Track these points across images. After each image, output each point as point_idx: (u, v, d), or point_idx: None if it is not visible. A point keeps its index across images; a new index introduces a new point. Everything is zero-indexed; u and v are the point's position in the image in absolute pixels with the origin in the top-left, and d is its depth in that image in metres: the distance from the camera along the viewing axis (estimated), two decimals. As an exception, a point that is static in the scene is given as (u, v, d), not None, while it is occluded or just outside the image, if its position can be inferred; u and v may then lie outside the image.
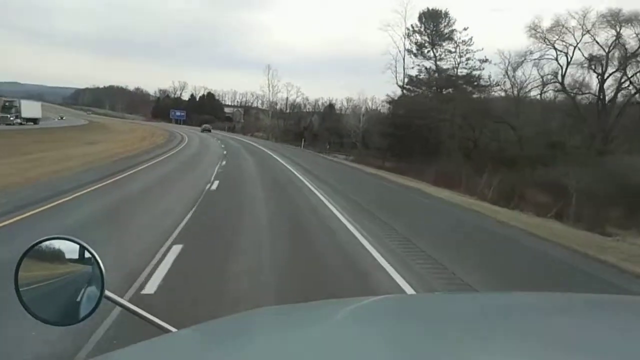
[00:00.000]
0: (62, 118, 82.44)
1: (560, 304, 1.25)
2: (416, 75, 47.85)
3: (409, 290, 5.81)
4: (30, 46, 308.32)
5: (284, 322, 1.13)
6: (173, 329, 1.18)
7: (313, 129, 64.41)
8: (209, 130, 75.14)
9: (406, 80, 47.69)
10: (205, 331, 1.10)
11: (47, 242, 1.16)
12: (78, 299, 1.14)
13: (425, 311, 1.18)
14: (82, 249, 1.17)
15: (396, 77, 47.62)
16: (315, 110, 77.24)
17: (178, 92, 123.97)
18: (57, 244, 1.16)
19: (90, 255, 1.16)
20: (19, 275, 1.11)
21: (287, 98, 79.00)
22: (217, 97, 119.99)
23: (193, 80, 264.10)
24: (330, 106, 75.56)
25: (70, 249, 1.16)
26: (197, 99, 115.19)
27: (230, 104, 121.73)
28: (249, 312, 1.34)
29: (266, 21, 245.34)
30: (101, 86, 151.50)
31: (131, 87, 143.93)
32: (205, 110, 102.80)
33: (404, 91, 47.87)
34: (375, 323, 1.07)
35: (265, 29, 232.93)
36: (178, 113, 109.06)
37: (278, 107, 78.19)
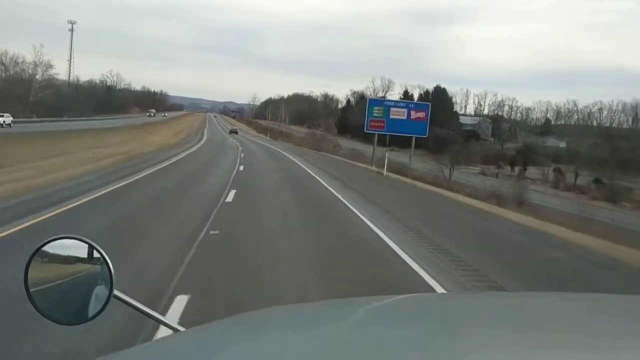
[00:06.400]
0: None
1: (579, 303, 1.23)
2: None
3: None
4: (245, 69, 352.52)
5: (296, 321, 1.10)
6: (182, 329, 1.18)
7: None
8: (236, 132, 71.77)
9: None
10: (214, 331, 1.09)
11: (55, 242, 1.16)
12: (87, 299, 1.15)
13: (444, 311, 1.15)
14: (91, 248, 1.16)
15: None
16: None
17: (380, 93, 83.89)
18: (65, 243, 1.16)
19: (99, 255, 1.16)
20: (28, 275, 1.11)
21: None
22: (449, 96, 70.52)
23: (402, 78, 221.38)
24: None
25: (79, 248, 1.16)
26: (415, 99, 65.75)
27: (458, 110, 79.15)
28: (260, 312, 1.31)
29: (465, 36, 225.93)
30: (285, 96, 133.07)
31: (317, 94, 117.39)
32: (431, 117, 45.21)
33: None
34: (391, 323, 1.04)
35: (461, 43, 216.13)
36: (399, 118, 30.99)
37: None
